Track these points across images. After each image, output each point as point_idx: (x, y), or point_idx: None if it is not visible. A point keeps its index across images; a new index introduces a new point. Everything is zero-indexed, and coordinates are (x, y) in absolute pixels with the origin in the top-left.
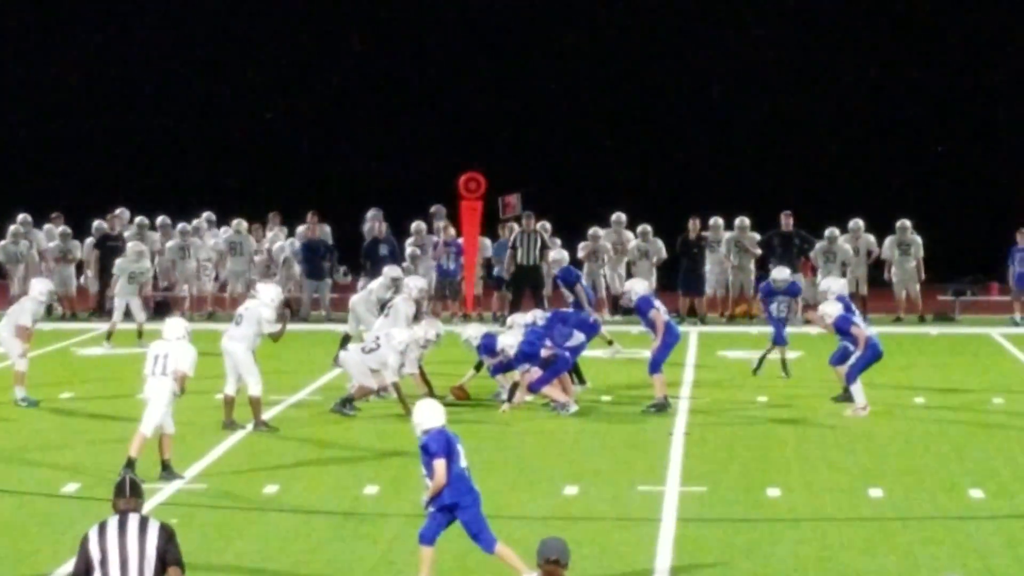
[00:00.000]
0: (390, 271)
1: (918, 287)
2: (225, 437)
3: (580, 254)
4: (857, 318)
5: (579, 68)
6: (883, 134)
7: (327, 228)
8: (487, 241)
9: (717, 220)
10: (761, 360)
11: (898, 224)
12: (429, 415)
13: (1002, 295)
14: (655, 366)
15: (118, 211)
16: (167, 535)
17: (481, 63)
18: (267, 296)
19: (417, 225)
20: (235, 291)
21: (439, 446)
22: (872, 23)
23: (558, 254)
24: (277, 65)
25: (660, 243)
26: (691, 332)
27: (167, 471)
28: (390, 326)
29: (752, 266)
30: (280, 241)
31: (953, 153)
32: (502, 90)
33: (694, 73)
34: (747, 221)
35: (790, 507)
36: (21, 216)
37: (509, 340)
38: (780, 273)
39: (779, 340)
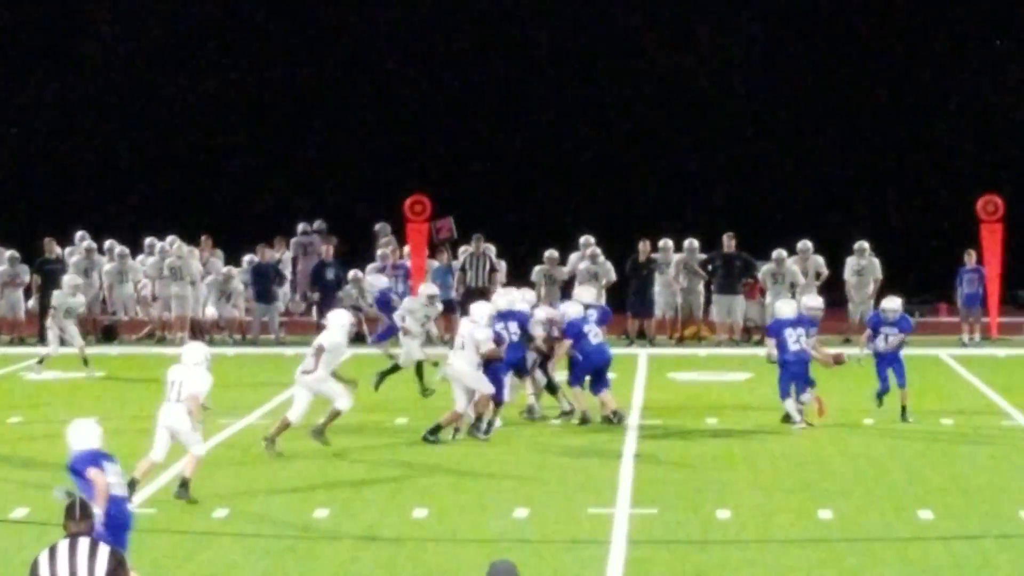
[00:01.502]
0: (425, 289)
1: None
2: (174, 461)
3: (534, 277)
4: (793, 342)
5: (529, 90)
6: (833, 156)
7: (277, 254)
8: (434, 263)
9: (667, 242)
10: (904, 409)
11: (856, 246)
12: (82, 437)
13: (950, 316)
14: (572, 380)
15: (79, 234)
16: (117, 559)
17: (428, 84)
18: (338, 322)
19: (383, 252)
20: (182, 315)
21: (86, 462)
22: (822, 45)
23: (373, 278)
24: (218, 86)
25: (609, 265)
26: (640, 354)
27: (184, 488)
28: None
29: (701, 288)
30: (219, 264)
31: (901, 174)
32: (449, 111)
33: (643, 96)
34: (696, 243)
35: (740, 529)
36: None
37: (485, 334)
38: (891, 303)
39: (884, 389)
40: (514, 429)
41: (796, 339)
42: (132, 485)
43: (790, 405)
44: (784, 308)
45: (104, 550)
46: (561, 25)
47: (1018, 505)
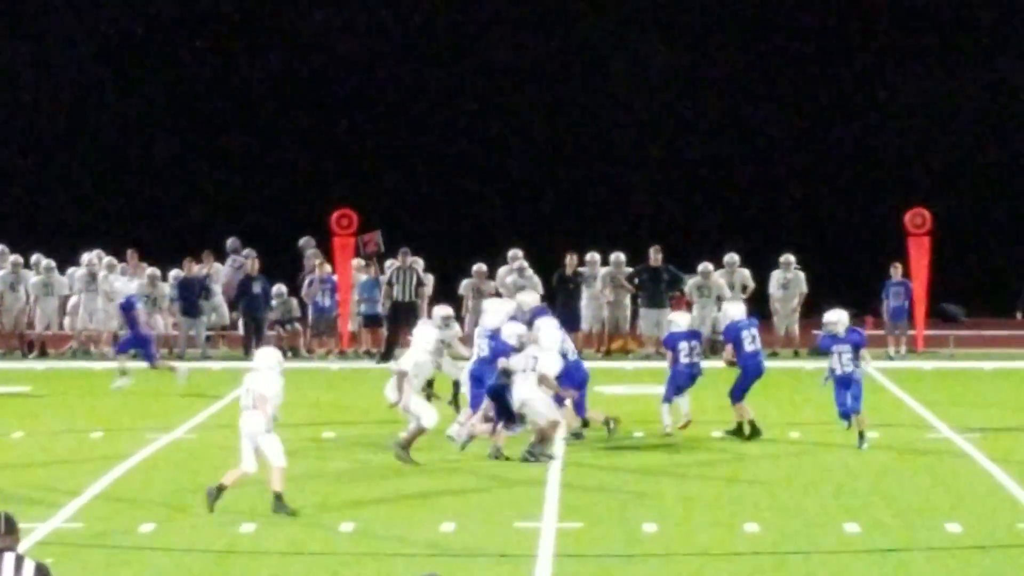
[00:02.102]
0: (440, 311)
1: (797, 326)
2: (102, 475)
3: (462, 291)
4: (684, 355)
5: (452, 105)
6: (759, 169)
7: (205, 269)
8: (361, 277)
9: (594, 255)
10: (861, 435)
11: (782, 259)
12: None
13: (876, 329)
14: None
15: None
16: (42, 574)
17: (354, 97)
18: (422, 339)
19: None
20: (89, 328)
21: None
22: (748, 59)
23: (123, 285)
24: (144, 100)
25: (537, 279)
26: None
27: (280, 502)
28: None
29: (628, 301)
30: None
31: (827, 187)
32: (376, 125)
33: (569, 109)
34: (623, 257)
35: (667, 542)
36: None
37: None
38: (833, 315)
39: (844, 413)
40: (439, 442)
41: (688, 352)
42: (220, 490)
43: (665, 409)
44: (680, 320)
45: (30, 565)
46: (488, 40)
47: (945, 518)
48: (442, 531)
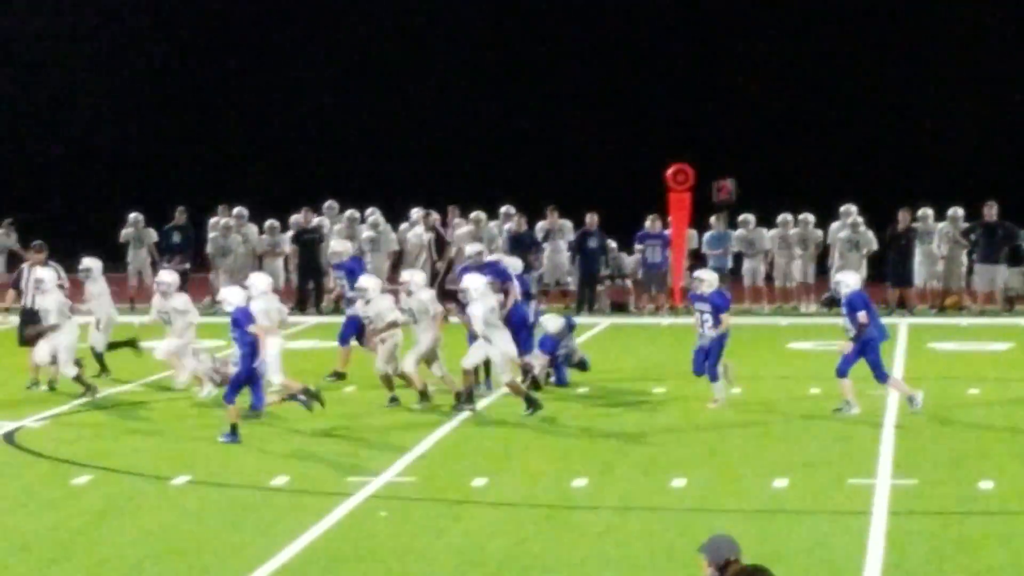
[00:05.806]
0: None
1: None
2: (432, 430)
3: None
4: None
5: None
6: None
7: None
8: (693, 232)
9: (926, 211)
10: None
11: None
12: None
13: None
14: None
15: (328, 203)
16: None
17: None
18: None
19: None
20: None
21: None
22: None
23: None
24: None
25: (871, 234)
26: (901, 324)
27: None
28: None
29: (963, 258)
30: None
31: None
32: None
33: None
34: (960, 212)
35: (1003, 500)
36: (236, 209)
37: None
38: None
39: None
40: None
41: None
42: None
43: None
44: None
45: None
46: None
47: None
48: (775, 487)
